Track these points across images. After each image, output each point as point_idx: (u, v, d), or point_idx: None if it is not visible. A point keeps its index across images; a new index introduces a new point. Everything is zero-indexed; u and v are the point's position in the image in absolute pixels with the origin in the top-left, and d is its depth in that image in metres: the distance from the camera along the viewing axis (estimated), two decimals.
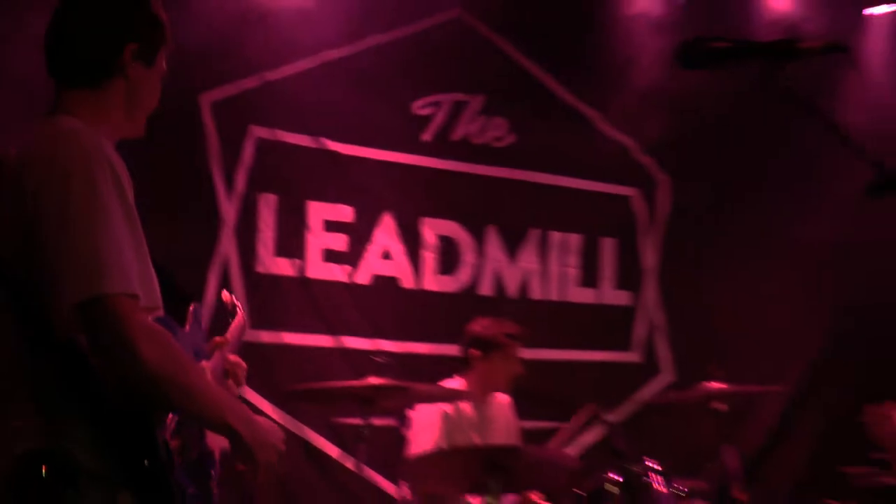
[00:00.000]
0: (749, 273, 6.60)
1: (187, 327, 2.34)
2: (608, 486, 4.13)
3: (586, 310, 6.51)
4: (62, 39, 2.26)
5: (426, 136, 5.95)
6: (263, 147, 5.36)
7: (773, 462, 6.66)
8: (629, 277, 6.68)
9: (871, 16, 6.98)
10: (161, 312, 2.19)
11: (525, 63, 6.29)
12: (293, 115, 5.44)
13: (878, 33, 6.99)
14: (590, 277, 6.53)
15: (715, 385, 4.79)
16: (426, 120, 5.95)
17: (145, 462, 2.06)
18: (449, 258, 6.02)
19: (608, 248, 6.61)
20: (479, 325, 5.06)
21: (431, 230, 5.96)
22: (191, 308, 2.38)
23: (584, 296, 6.51)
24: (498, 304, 6.02)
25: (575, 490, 4.21)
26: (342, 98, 5.57)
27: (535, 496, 4.95)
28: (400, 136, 5.87)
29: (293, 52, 5.37)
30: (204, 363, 2.42)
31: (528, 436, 5.24)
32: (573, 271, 6.45)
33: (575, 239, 6.46)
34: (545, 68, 6.34)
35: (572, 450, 5.80)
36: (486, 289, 6.14)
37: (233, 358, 2.71)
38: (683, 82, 6.01)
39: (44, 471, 1.96)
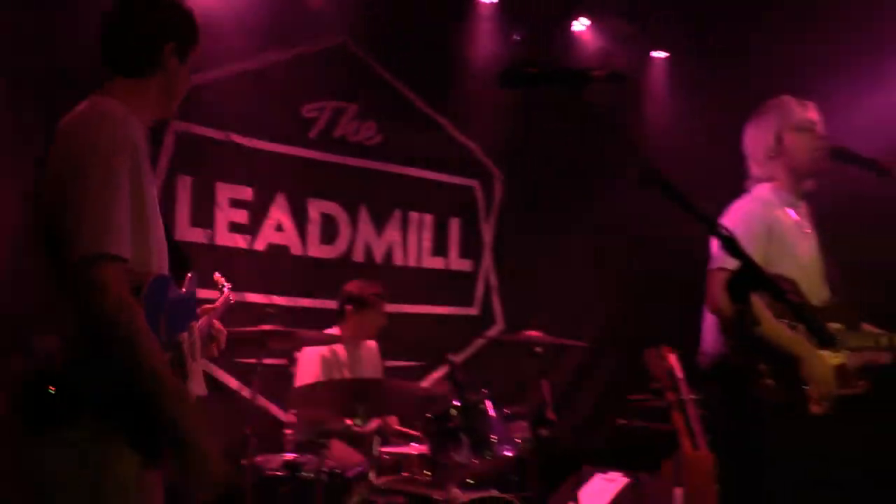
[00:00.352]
0: (563, 247, 6.75)
1: (184, 290, 2.28)
2: (451, 411, 4.19)
3: (437, 274, 6.57)
4: (115, 37, 2.25)
5: (312, 134, 5.90)
6: (182, 138, 5.25)
7: (579, 392, 6.85)
8: (471, 249, 6.77)
9: (655, 57, 7.23)
10: (166, 272, 2.15)
11: (392, 80, 6.30)
12: (207, 113, 5.33)
13: (659, 70, 7.24)
14: (440, 248, 6.59)
15: (534, 333, 4.91)
16: (312, 121, 5.90)
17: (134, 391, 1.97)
18: (329, 231, 5.99)
19: (455, 226, 6.68)
20: (353, 286, 5.09)
21: (315, 208, 5.92)
22: (188, 275, 2.31)
23: (436, 263, 6.57)
24: (368, 268, 6.03)
25: (425, 414, 4.26)
26: (247, 101, 5.48)
27: (392, 420, 5.00)
28: (291, 133, 5.81)
29: (208, 62, 5.27)
30: (193, 323, 2.32)
31: (390, 372, 5.30)
32: (427, 244, 6.49)
33: (429, 218, 6.51)
34: (408, 85, 6.36)
35: (424, 383, 5.89)
36: (358, 256, 6.14)
37: (217, 324, 2.63)
38: (516, 99, 6.14)
39: (51, 390, 1.92)
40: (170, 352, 2.12)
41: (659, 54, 7.20)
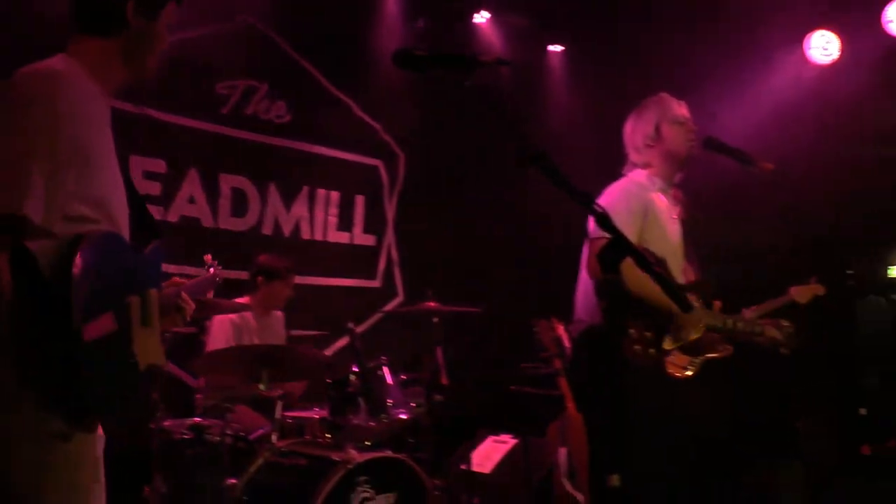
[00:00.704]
0: (458, 224, 6.80)
1: (146, 252, 2.16)
2: (350, 376, 4.18)
3: (342, 248, 6.52)
4: None
5: (225, 111, 5.79)
6: None
7: (472, 360, 6.91)
8: (375, 225, 6.75)
9: (552, 51, 7.33)
10: (122, 233, 2.03)
11: (301, 61, 6.22)
12: None
13: (556, 62, 7.34)
14: (345, 224, 6.53)
15: (431, 304, 4.93)
16: (225, 98, 5.79)
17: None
18: (239, 205, 5.89)
19: (360, 203, 6.64)
20: (265, 258, 5.05)
21: (226, 183, 5.82)
22: (153, 244, 2.18)
23: (341, 237, 6.52)
24: (276, 242, 5.97)
25: (326, 379, 4.24)
26: (161, 75, 5.28)
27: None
28: (205, 109, 5.68)
29: None
30: (152, 290, 2.13)
31: (296, 340, 5.25)
32: (333, 219, 6.44)
33: (335, 195, 6.45)
34: (317, 66, 6.29)
35: (327, 351, 5.87)
36: (267, 230, 6.05)
37: (185, 296, 2.47)
38: (418, 84, 6.13)
39: None
40: (112, 310, 1.95)
41: (555, 48, 7.29)
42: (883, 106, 5.80)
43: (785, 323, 3.81)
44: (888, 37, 5.85)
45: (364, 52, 6.29)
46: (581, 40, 7.03)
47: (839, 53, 6.17)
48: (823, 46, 6.21)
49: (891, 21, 5.83)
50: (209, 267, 3.10)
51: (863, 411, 4.11)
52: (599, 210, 1.72)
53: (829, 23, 6.18)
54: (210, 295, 3.50)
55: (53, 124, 1.88)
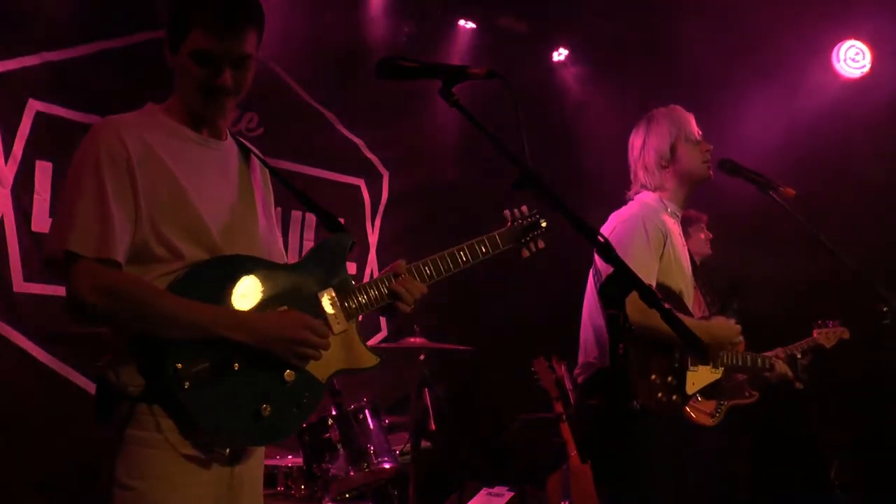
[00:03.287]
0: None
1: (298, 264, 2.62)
2: (327, 420, 4.20)
3: None
4: None
5: None
6: (41, 120, 5.03)
7: (464, 402, 6.89)
8: (355, 251, 6.71)
9: (558, 62, 7.43)
10: (235, 250, 2.44)
11: (276, 70, 6.24)
12: (71, 93, 5.15)
13: (560, 68, 7.44)
14: None
15: (417, 340, 4.94)
16: None
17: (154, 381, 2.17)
18: None
19: None
20: None
21: None
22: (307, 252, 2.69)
23: None
24: None
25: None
26: (116, 82, 5.29)
27: None
28: None
29: (73, 37, 5.11)
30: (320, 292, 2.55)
31: None
32: (309, 244, 6.37)
33: (311, 217, 6.43)
34: (293, 76, 6.32)
35: None
36: None
37: (399, 284, 2.74)
38: (405, 97, 6.17)
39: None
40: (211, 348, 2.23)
41: (560, 53, 7.39)
42: None
43: (800, 356, 3.85)
44: None
45: (345, 59, 6.31)
46: (585, 51, 7.11)
47: (870, 66, 6.26)
48: (853, 58, 6.30)
49: None
50: None
51: None
52: (602, 241, 1.74)
53: (859, 33, 6.28)
54: None
55: (94, 170, 2.25)
